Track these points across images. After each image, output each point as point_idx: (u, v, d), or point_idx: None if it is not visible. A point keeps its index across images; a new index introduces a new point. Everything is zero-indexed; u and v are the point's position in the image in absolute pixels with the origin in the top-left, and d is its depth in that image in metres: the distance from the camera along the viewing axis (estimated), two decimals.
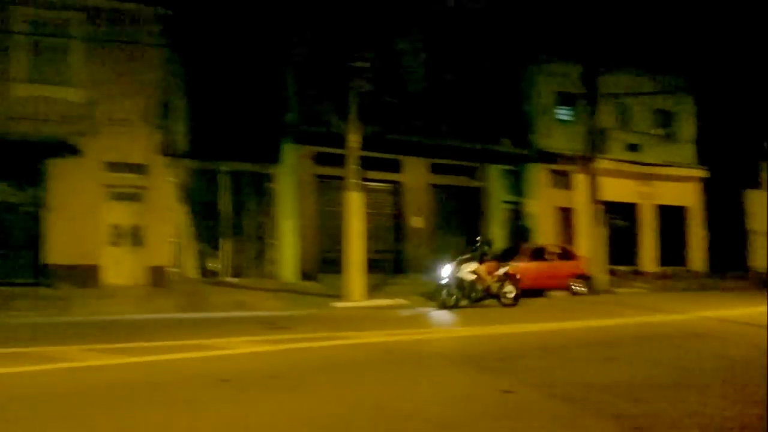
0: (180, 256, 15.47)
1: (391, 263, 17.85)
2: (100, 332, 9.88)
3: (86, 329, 10.23)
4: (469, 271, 13.13)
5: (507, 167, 20.24)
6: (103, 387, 5.84)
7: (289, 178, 16.75)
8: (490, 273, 13.31)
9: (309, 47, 16.10)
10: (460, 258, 13.42)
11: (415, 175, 18.83)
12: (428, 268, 15.12)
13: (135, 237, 15.18)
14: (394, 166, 18.39)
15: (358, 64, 14.03)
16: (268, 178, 16.67)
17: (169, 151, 15.27)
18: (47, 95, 14.62)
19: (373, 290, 14.59)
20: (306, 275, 16.48)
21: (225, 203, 16.23)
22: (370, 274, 14.46)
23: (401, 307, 13.66)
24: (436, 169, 19.12)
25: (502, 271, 13.50)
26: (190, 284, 15.04)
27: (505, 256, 15.75)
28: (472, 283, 13.14)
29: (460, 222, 19.45)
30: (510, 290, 13.33)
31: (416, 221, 18.63)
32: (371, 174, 16.24)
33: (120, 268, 14.95)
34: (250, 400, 5.20)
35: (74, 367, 6.86)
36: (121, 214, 15.07)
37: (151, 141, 15.12)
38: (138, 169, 15.14)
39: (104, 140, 14.74)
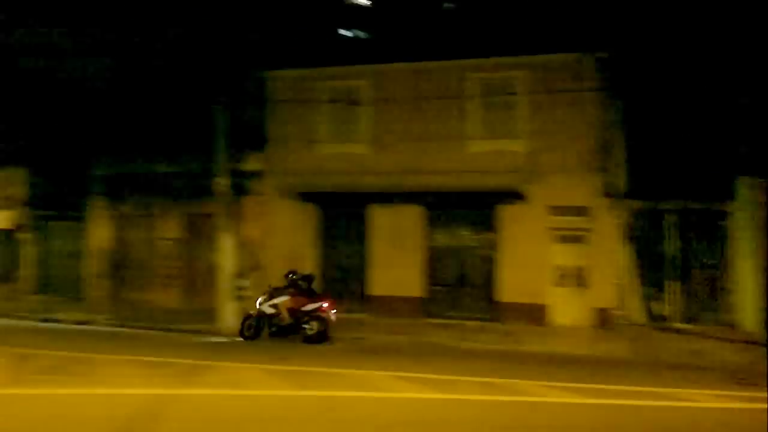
0: (624, 299, 15.10)
1: None
2: (550, 368, 10.23)
3: (537, 364, 10.71)
4: (270, 304, 13.36)
5: None
6: (564, 426, 5.95)
7: (746, 215, 14.87)
8: (293, 308, 13.16)
9: (761, 67, 14.24)
10: (271, 290, 13.62)
11: None
12: None
13: (579, 278, 15.42)
14: None
15: None
16: (720, 216, 15.13)
17: (611, 193, 15.22)
18: (496, 149, 16.16)
19: None
20: None
21: (671, 244, 15.29)
22: None
23: None
24: None
25: (311, 307, 13.04)
26: (636, 328, 14.51)
27: None
28: (271, 316, 13.31)
29: None
30: (311, 327, 12.91)
31: None
32: None
33: (565, 308, 15.35)
34: None
35: (532, 402, 7.20)
36: (565, 256, 15.54)
37: (592, 183, 15.31)
38: (580, 211, 15.45)
39: (548, 186, 15.51)
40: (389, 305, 16.45)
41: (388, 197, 16.64)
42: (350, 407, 7.12)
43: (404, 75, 16.88)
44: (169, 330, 14.80)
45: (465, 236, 16.53)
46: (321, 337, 12.90)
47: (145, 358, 10.14)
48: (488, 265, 16.12)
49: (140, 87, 19.09)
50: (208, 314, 15.43)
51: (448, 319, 15.90)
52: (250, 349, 12.28)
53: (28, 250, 21.45)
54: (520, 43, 15.86)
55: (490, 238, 16.18)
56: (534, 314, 15.39)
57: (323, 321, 12.96)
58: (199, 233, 18.37)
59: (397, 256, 16.60)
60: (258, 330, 13.44)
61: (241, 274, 15.56)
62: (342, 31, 19.11)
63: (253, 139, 17.61)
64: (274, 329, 13.37)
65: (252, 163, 17.71)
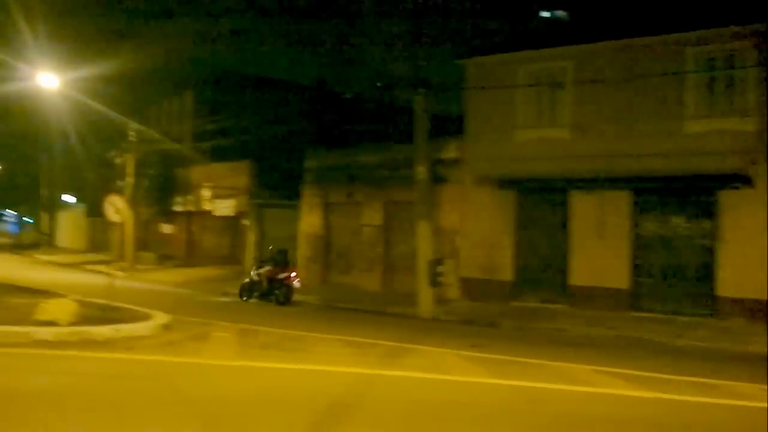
0: None
1: None
2: None
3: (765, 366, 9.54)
4: (257, 273, 16.65)
5: None
6: None
7: None
8: (270, 276, 16.30)
9: None
10: (260, 261, 17.29)
11: None
12: None
13: None
14: None
15: None
16: None
17: None
18: (719, 128, 14.56)
19: None
20: None
21: None
22: None
23: None
24: None
25: (281, 276, 16.13)
26: None
27: None
28: (256, 283, 16.62)
29: None
30: (279, 293, 16.11)
31: None
32: None
33: None
34: None
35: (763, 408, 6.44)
36: None
37: None
38: None
39: None
40: (591, 296, 15.69)
41: (592, 182, 15.81)
42: (552, 400, 6.90)
43: (611, 53, 15.87)
44: (369, 311, 15.53)
45: (678, 224, 15.19)
46: (286, 300, 16.03)
47: (351, 338, 10.72)
48: (706, 255, 14.66)
49: (346, 83, 20.18)
50: (407, 298, 15.91)
51: (657, 313, 14.80)
52: (448, 333, 12.45)
53: (250, 235, 23.79)
54: (748, 9, 14.10)
55: (709, 227, 14.69)
56: (761, 312, 13.71)
57: (289, 288, 16.15)
58: (399, 220, 19.01)
59: (601, 244, 15.74)
60: (251, 294, 16.74)
61: (438, 261, 15.81)
62: (543, 13, 18.49)
63: (452, 127, 17.75)
64: (259, 293, 16.54)
65: (450, 151, 17.88)
